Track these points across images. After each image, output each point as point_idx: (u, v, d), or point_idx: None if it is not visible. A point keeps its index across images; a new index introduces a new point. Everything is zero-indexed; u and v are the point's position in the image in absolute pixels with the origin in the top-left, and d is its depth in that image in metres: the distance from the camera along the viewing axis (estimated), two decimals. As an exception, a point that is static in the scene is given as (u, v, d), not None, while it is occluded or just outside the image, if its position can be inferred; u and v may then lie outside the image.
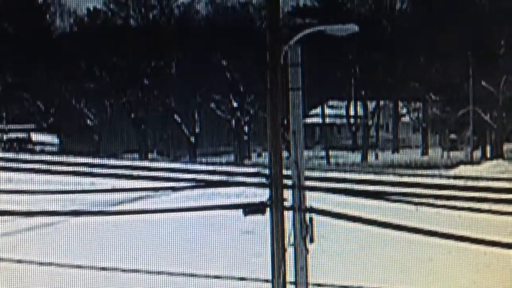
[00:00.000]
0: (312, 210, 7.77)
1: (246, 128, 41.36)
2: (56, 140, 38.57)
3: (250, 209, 7.64)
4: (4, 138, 37.41)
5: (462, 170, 31.26)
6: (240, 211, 7.64)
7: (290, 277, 7.23)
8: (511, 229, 9.74)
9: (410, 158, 38.61)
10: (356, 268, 11.56)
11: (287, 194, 7.68)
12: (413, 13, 41.57)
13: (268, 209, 7.61)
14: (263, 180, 7.68)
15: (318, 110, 42.55)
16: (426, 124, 42.34)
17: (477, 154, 38.61)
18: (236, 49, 36.40)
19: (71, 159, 21.96)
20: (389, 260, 12.36)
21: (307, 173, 8.12)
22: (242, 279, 8.90)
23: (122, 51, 36.96)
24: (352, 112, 42.93)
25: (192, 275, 9.54)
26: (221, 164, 33.55)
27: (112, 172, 10.45)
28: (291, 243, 7.66)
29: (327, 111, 43.48)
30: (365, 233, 10.24)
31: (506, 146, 38.61)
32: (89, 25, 39.72)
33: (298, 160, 7.71)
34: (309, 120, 39.68)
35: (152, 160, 37.48)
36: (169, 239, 11.99)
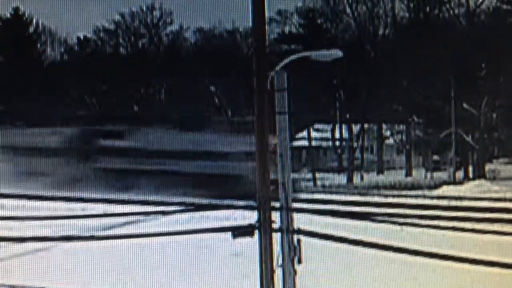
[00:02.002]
0: (299, 231, 7.93)
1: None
2: None
3: (239, 231, 7.80)
4: None
5: (446, 190, 31.64)
6: (229, 233, 7.79)
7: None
8: (494, 248, 9.96)
9: (395, 179, 38.93)
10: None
11: (275, 216, 7.85)
12: (396, 38, 42.32)
13: (256, 231, 7.77)
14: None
15: (304, 133, 42.95)
16: (409, 146, 42.82)
17: (460, 174, 39.05)
18: (224, 75, 36.82)
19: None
20: (375, 279, 12.51)
21: (295, 195, 8.30)
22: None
23: (112, 79, 37.23)
24: (337, 135, 43.39)
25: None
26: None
27: (103, 197, 10.57)
28: (279, 264, 7.81)
29: (313, 134, 43.90)
30: (351, 254, 10.41)
31: (488, 167, 39.11)
32: (79, 53, 39.97)
33: (286, 183, 7.90)
34: (296, 143, 40.02)
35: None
36: (159, 263, 12.06)
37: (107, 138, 25.32)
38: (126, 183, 21.77)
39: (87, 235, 9.57)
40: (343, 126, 42.79)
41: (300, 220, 7.97)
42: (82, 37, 39.65)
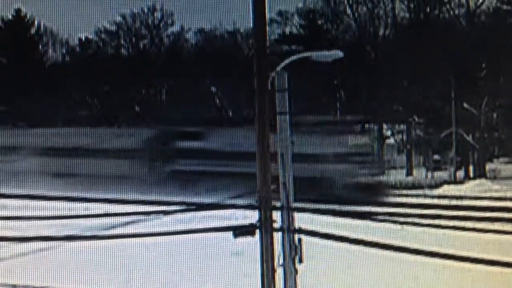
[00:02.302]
0: (300, 231, 7.98)
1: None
2: None
3: (240, 231, 7.84)
4: None
5: (446, 189, 31.65)
6: (230, 233, 7.83)
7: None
8: (494, 247, 10.00)
9: (395, 178, 38.98)
10: (343, 287, 11.74)
11: (276, 215, 7.89)
12: (396, 38, 42.36)
13: (257, 231, 7.82)
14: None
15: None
16: (410, 146, 42.85)
17: (461, 174, 39.08)
18: (225, 76, 36.88)
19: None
20: (376, 278, 12.55)
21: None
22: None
23: (114, 80, 37.30)
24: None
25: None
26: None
27: (105, 197, 10.61)
28: (280, 263, 7.85)
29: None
30: (352, 253, 10.46)
31: (488, 166, 39.15)
32: (81, 54, 40.07)
33: (287, 182, 7.95)
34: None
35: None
36: (161, 262, 12.11)
37: (184, 139, 24.69)
38: (206, 186, 20.97)
39: (90, 234, 9.62)
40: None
41: (302, 220, 8.02)
42: (83, 38, 39.74)
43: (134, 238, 8.92)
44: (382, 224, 8.87)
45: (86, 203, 9.09)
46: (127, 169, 23.97)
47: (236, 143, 23.85)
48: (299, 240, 7.90)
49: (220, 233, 7.99)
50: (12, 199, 9.49)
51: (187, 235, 8.61)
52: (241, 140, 23.31)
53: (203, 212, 9.61)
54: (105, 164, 23.63)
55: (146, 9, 40.70)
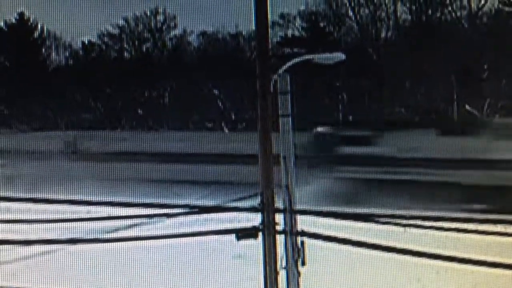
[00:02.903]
0: (303, 233, 8.00)
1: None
2: None
3: (243, 233, 7.86)
4: None
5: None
6: (233, 236, 7.85)
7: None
8: (496, 249, 10.01)
9: (399, 181, 38.82)
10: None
11: (279, 218, 7.91)
12: (398, 40, 42.36)
13: (260, 233, 7.83)
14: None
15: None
16: (413, 148, 42.76)
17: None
18: (227, 78, 36.95)
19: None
20: (378, 281, 12.55)
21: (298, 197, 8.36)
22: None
23: (116, 82, 37.40)
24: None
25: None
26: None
27: (107, 201, 10.66)
28: (283, 266, 7.87)
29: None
30: (354, 255, 10.47)
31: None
32: (84, 58, 40.18)
33: (289, 185, 7.97)
34: (298, 146, 40.00)
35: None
36: (164, 265, 12.12)
37: (351, 144, 23.35)
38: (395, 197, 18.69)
39: (92, 237, 9.65)
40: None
41: (305, 222, 8.04)
42: (86, 42, 39.84)
43: (137, 241, 8.94)
44: (385, 226, 8.88)
45: (89, 206, 9.12)
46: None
47: (414, 147, 22.10)
48: (302, 242, 7.91)
49: (223, 235, 8.01)
50: (16, 202, 9.52)
51: (190, 238, 8.62)
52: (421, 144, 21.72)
53: (206, 214, 9.62)
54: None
55: (148, 12, 40.83)
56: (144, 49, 40.57)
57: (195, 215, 9.41)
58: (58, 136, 26.21)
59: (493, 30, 37.36)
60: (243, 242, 7.84)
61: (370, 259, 10.36)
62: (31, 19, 38.92)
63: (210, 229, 8.42)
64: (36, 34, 39.04)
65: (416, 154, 21.65)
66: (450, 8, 41.20)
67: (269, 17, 8.08)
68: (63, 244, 10.36)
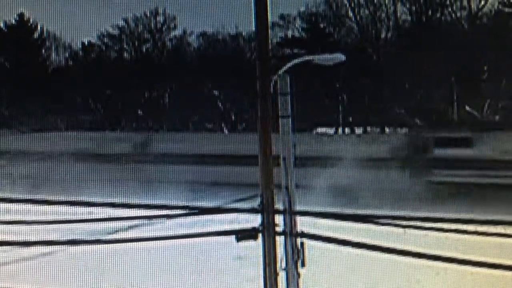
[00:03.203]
0: (303, 234, 7.99)
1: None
2: None
3: (243, 235, 7.85)
4: None
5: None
6: (233, 237, 7.85)
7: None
8: (496, 250, 10.01)
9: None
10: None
11: (279, 219, 7.91)
12: (398, 41, 42.38)
13: (260, 235, 7.83)
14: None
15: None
16: (413, 149, 42.77)
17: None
18: (227, 79, 36.95)
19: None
20: (378, 282, 12.55)
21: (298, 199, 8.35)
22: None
23: (116, 83, 37.40)
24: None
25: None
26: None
27: (108, 202, 10.65)
28: (283, 267, 7.86)
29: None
30: (354, 256, 10.47)
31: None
32: (83, 58, 40.19)
33: (289, 186, 7.97)
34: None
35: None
36: (164, 266, 12.12)
37: (446, 146, 22.22)
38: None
39: (93, 239, 9.64)
40: (346, 129, 42.79)
41: (306, 223, 8.03)
42: (86, 43, 39.85)
43: (137, 242, 8.94)
44: (385, 227, 8.88)
45: (90, 208, 9.11)
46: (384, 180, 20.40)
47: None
48: (302, 243, 7.90)
49: (223, 237, 8.01)
50: (16, 204, 9.52)
51: (190, 239, 8.62)
52: None
53: (206, 216, 9.62)
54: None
55: (148, 13, 40.83)
56: (144, 50, 40.59)
57: (195, 216, 9.40)
58: (130, 137, 25.44)
59: (493, 31, 37.41)
60: (243, 243, 7.84)
61: (370, 260, 10.36)
62: (31, 20, 38.94)
63: (210, 231, 8.42)
64: (36, 35, 39.08)
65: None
66: (450, 9, 41.21)
67: (269, 18, 8.09)
68: (63, 245, 10.36)
